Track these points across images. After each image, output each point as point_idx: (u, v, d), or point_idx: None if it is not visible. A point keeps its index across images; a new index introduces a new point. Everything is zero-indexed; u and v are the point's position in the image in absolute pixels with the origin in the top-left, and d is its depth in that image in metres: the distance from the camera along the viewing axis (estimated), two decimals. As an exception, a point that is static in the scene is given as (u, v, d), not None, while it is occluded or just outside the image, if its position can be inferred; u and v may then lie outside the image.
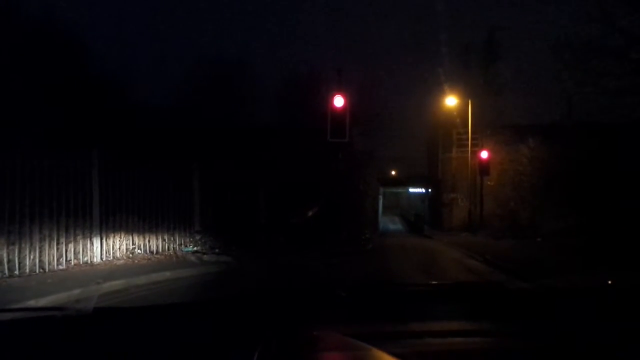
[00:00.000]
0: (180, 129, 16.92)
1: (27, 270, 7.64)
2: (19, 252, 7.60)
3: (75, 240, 8.52)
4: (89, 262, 8.67)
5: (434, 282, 4.81)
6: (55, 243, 8.14)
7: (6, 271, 7.39)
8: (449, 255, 12.66)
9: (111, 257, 9.14)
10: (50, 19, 16.60)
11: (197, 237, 10.95)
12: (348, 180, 14.55)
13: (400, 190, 45.95)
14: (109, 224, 9.15)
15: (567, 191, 18.18)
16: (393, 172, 43.13)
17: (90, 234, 8.78)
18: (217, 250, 10.56)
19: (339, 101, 11.06)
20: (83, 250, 8.64)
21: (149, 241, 10.02)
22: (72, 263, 8.39)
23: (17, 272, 7.49)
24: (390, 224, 37.92)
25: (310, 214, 12.10)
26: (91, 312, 1.77)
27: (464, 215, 24.29)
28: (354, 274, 8.15)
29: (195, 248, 10.68)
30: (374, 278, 7.88)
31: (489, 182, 22.75)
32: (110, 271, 8.19)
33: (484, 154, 21.29)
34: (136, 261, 9.29)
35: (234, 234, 11.13)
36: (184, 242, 10.79)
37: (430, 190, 32.93)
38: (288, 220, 11.98)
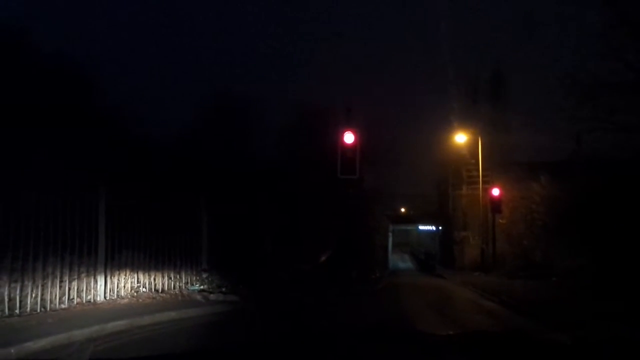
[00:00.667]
0: (187, 164, 16.89)
1: (28, 309, 7.39)
2: (21, 290, 7.37)
3: (79, 278, 8.29)
4: (92, 300, 8.41)
5: (455, 333, 4.49)
6: (58, 281, 7.91)
7: (6, 310, 7.14)
8: (463, 295, 12.22)
9: (115, 296, 8.87)
10: (58, 53, 16.91)
11: (204, 276, 10.69)
12: (358, 218, 14.31)
13: (409, 227, 45.48)
14: (114, 262, 8.94)
15: (580, 229, 17.71)
16: (402, 210, 42.83)
17: (95, 271, 8.55)
18: (224, 289, 10.26)
19: (349, 137, 10.98)
20: (87, 289, 8.39)
21: (154, 279, 9.77)
22: (75, 302, 8.13)
23: (17, 311, 7.24)
24: (400, 262, 37.26)
25: (323, 259, 11.82)
26: None
27: (475, 254, 23.78)
28: (366, 318, 7.76)
29: (201, 287, 10.39)
30: (388, 323, 7.49)
31: (500, 220, 22.36)
32: (113, 311, 7.91)
33: (496, 191, 21.01)
34: (141, 300, 9.01)
35: (241, 272, 10.86)
36: (190, 280, 10.52)
37: (440, 227, 32.50)
38: (300, 265, 11.68)
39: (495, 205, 20.92)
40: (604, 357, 1.98)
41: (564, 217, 19.07)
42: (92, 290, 8.47)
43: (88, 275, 8.44)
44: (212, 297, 9.59)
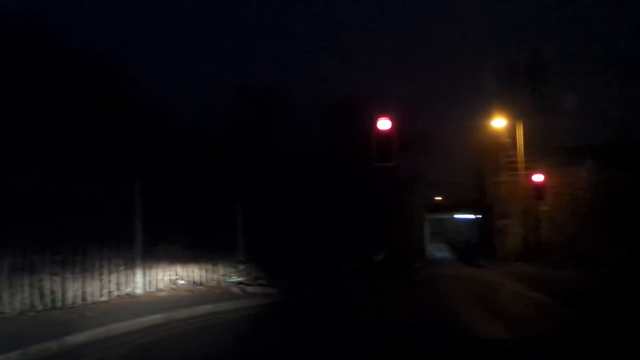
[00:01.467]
0: (222, 156, 16.86)
1: (69, 302, 7.44)
2: (62, 284, 7.42)
3: (118, 271, 8.31)
4: (131, 293, 8.42)
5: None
6: (97, 274, 7.95)
7: (49, 303, 7.20)
8: (510, 288, 11.64)
9: (153, 289, 8.87)
10: (95, 47, 17.11)
11: (241, 268, 10.59)
12: (395, 207, 13.91)
13: (445, 216, 44.51)
14: (151, 255, 8.92)
15: (631, 217, 16.74)
16: (438, 198, 41.96)
17: (133, 264, 8.56)
18: (261, 282, 10.12)
19: (384, 124, 10.57)
20: (125, 282, 8.42)
21: (192, 271, 9.73)
22: (114, 294, 8.16)
23: (59, 303, 7.30)
24: (437, 251, 36.53)
25: (379, 258, 11.51)
26: None
27: (517, 243, 22.94)
28: (411, 316, 7.36)
29: (239, 279, 10.29)
30: (437, 318, 7.11)
31: (544, 207, 21.42)
32: (151, 304, 7.88)
33: (539, 177, 20.05)
34: (179, 292, 8.98)
35: (278, 264, 10.69)
36: (228, 272, 10.44)
37: (478, 216, 31.59)
38: (349, 264, 11.36)
39: (539, 191, 20.01)
40: None
41: (612, 203, 18.09)
42: (131, 283, 8.48)
43: (126, 269, 8.46)
44: (249, 289, 9.47)
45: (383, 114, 10.79)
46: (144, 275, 8.72)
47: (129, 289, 8.44)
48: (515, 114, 23.01)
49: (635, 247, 15.52)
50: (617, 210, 17.70)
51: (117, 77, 17.15)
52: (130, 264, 8.52)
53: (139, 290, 8.55)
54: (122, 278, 8.38)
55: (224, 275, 10.30)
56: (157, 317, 6.94)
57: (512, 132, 23.43)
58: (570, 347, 2.02)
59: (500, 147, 25.01)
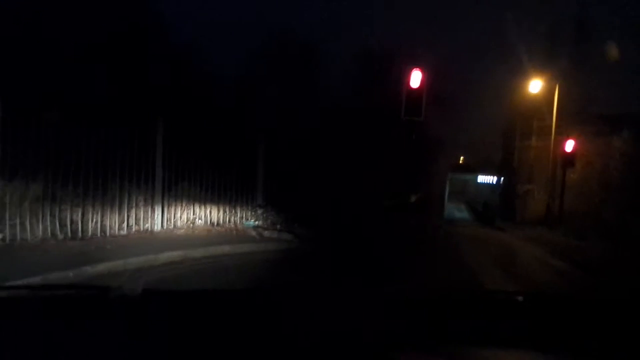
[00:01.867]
0: (247, 101, 16.61)
1: (90, 234, 7.54)
2: (82, 215, 7.50)
3: (137, 207, 8.36)
4: (149, 229, 8.50)
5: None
6: (117, 208, 8.00)
7: (69, 233, 7.31)
8: (529, 252, 11.43)
9: (172, 226, 8.93)
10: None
11: (259, 212, 10.56)
12: (421, 164, 13.60)
13: (468, 177, 43.89)
14: (171, 193, 8.93)
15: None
16: (462, 157, 41.35)
17: (152, 201, 8.59)
18: (278, 227, 10.11)
19: (416, 76, 10.13)
20: (144, 218, 8.47)
21: (210, 212, 9.75)
22: (133, 229, 8.24)
23: (79, 234, 7.40)
24: (456, 211, 36.28)
25: (413, 199, 11.32)
26: (140, 294, 1.66)
27: (539, 209, 22.46)
28: (431, 273, 7.28)
29: (256, 222, 10.30)
30: (454, 277, 7.01)
31: (572, 175, 20.79)
32: (169, 240, 7.95)
33: (570, 144, 19.34)
34: (196, 232, 9.03)
35: (297, 210, 10.63)
36: (245, 215, 10.44)
37: (502, 179, 30.98)
38: (385, 202, 11.23)
39: (568, 159, 19.35)
40: None
41: (644, 176, 17.41)
42: (150, 220, 8.53)
43: (146, 205, 8.49)
44: (266, 233, 9.46)
45: (414, 66, 10.35)
46: (163, 213, 8.77)
47: (147, 225, 8.51)
48: (553, 75, 21.92)
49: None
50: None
51: (146, 16, 16.80)
52: (149, 200, 8.55)
53: (157, 227, 8.62)
54: (142, 214, 8.43)
55: (242, 218, 10.30)
56: (174, 254, 7.01)
57: (547, 95, 22.41)
58: (581, 307, 1.96)
59: (533, 111, 24.04)
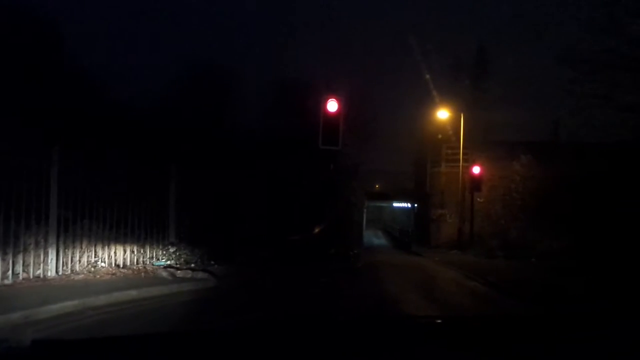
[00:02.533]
0: (158, 130, 15.73)
1: (-36, 285, 6.43)
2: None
3: (26, 251, 7.32)
4: (41, 276, 7.45)
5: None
6: (1, 253, 6.94)
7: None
8: (447, 276, 11.70)
9: (69, 271, 7.92)
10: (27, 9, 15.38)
11: (171, 250, 9.79)
12: (338, 192, 13.57)
13: (383, 204, 45.27)
14: (68, 233, 7.95)
15: (560, 211, 17.53)
16: (377, 186, 42.55)
17: (45, 243, 7.57)
18: (193, 265, 9.41)
19: (332, 105, 10.15)
20: (35, 263, 7.42)
21: (115, 253, 8.83)
22: (21, 277, 7.17)
23: (-49, 287, 6.27)
24: (374, 238, 37.07)
25: (317, 230, 11.10)
26: (29, 346, 1.57)
27: (452, 232, 23.50)
28: (352, 302, 7.07)
29: (168, 262, 9.51)
30: (374, 304, 6.86)
31: (479, 199, 22.07)
32: (64, 288, 6.98)
33: (477, 170, 20.60)
34: (98, 276, 8.09)
35: (212, 247, 10.00)
36: (156, 254, 9.62)
37: (416, 205, 32.19)
38: (288, 237, 10.92)
39: (476, 183, 20.56)
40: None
41: (542, 198, 18.86)
42: (42, 265, 7.50)
43: (37, 248, 7.47)
44: (179, 273, 8.72)
45: (331, 95, 10.39)
46: (58, 256, 7.76)
47: (39, 271, 7.46)
48: (458, 107, 23.41)
49: (560, 239, 16.29)
50: (545, 205, 18.49)
51: (46, 41, 15.55)
52: (42, 242, 7.53)
53: (51, 273, 7.59)
54: (32, 259, 7.38)
55: (152, 257, 9.48)
56: (69, 304, 6.11)
57: (455, 123, 23.84)
58: (497, 326, 2.07)
59: (441, 139, 25.40)
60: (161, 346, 1.73)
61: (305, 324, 2.15)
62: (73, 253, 8.05)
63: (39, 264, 7.47)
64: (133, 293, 7.11)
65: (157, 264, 9.30)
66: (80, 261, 8.15)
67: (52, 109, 13.25)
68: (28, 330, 4.94)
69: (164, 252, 9.66)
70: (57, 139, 8.47)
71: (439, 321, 2.39)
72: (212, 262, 9.81)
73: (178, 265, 9.25)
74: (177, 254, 9.69)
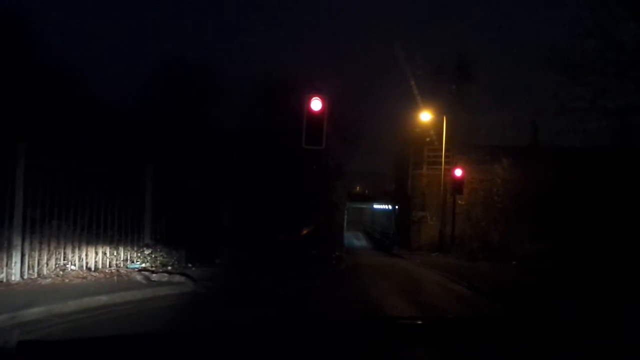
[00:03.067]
0: (137, 130, 15.23)
1: None
2: None
3: (-12, 253, 6.83)
4: (4, 280, 6.96)
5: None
6: (-41, 256, 6.44)
7: None
8: (430, 279, 11.52)
9: (35, 275, 7.43)
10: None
11: (147, 252, 9.34)
12: (321, 193, 13.30)
13: (364, 206, 45.22)
14: (34, 234, 7.47)
15: (540, 214, 17.61)
16: (357, 187, 42.48)
17: (9, 245, 7.08)
18: (169, 268, 9.00)
19: (316, 104, 9.88)
20: (-3, 266, 6.94)
21: (85, 255, 8.36)
22: (-19, 282, 6.69)
23: None
24: (355, 239, 36.92)
25: (305, 232, 10.79)
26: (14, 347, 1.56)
27: (433, 235, 23.46)
28: (336, 306, 6.81)
29: (143, 264, 9.07)
30: (358, 309, 6.62)
31: (460, 202, 22.08)
32: (29, 293, 6.51)
33: (458, 172, 20.60)
34: (67, 280, 7.61)
35: (191, 249, 9.60)
36: (130, 257, 9.16)
37: (397, 207, 32.14)
38: (275, 237, 10.59)
39: (457, 186, 20.55)
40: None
41: (523, 201, 18.94)
42: (5, 269, 7.01)
43: (0, 251, 6.97)
44: (154, 277, 8.29)
45: (315, 94, 10.13)
46: (23, 259, 7.27)
47: (2, 276, 6.97)
48: (440, 110, 23.40)
49: (540, 242, 16.36)
50: (526, 208, 18.57)
51: (19, 38, 14.94)
52: (5, 244, 7.05)
53: (15, 277, 7.10)
54: (-6, 262, 6.90)
55: (126, 260, 9.02)
56: (33, 312, 5.67)
57: (437, 126, 23.83)
58: (479, 327, 2.08)
59: (423, 141, 25.36)
60: (149, 347, 1.72)
61: (288, 330, 2.10)
62: (40, 256, 7.57)
63: (2, 268, 6.99)
64: (104, 298, 6.68)
65: (131, 266, 8.85)
66: (47, 264, 7.67)
67: (20, 106, 12.67)
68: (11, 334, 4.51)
69: (139, 254, 9.21)
70: (24, 135, 7.99)
71: (419, 322, 2.44)
72: (190, 265, 9.41)
73: (154, 268, 8.83)
74: (153, 256, 9.25)
